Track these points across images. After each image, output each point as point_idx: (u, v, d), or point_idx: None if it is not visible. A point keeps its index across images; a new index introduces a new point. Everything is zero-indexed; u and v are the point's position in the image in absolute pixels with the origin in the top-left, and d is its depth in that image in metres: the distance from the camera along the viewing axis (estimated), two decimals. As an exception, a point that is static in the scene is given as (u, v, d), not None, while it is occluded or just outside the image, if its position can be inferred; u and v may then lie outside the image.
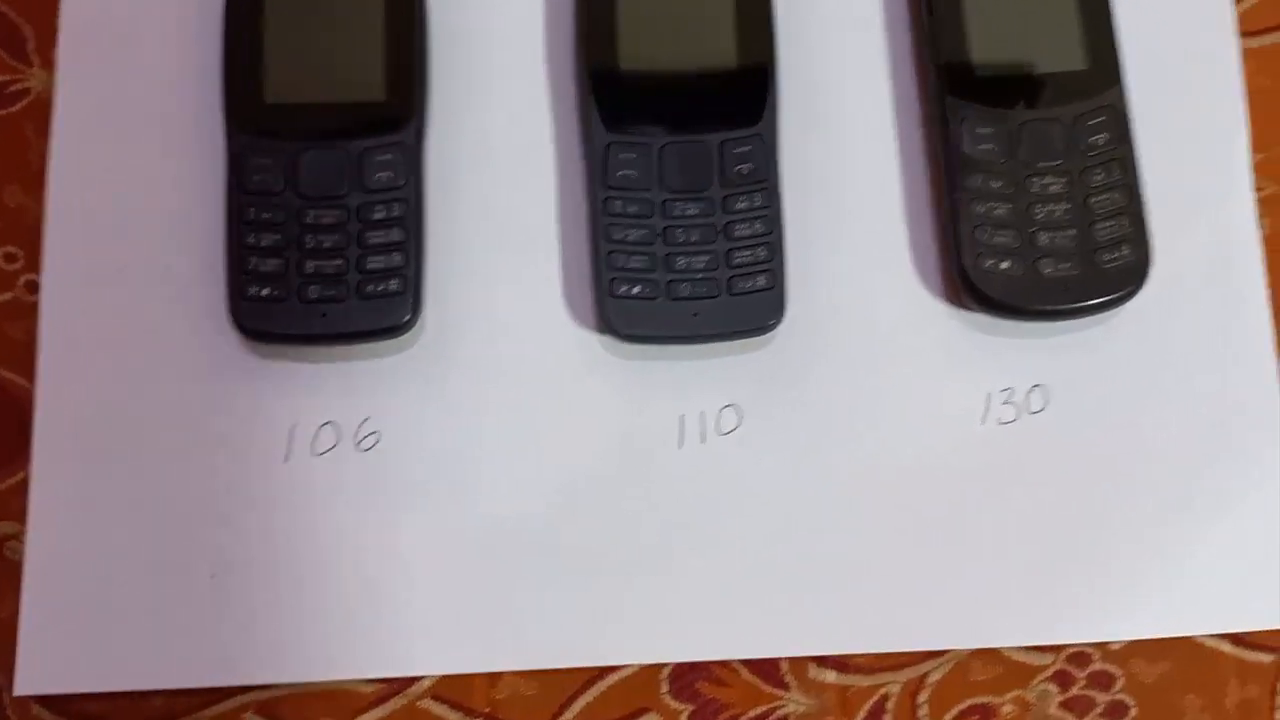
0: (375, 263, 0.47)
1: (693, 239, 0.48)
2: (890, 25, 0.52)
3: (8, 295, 0.48)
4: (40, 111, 0.49)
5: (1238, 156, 0.52)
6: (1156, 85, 0.51)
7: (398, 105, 0.48)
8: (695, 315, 0.47)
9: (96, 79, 0.50)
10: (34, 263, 0.48)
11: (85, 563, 0.47)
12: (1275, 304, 0.50)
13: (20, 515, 0.47)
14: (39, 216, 0.49)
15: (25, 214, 0.48)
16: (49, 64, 0.50)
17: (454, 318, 0.49)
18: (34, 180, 0.49)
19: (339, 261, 0.47)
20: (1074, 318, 0.48)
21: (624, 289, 0.48)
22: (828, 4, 0.52)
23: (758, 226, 0.48)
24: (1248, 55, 0.52)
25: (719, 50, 0.49)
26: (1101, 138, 0.48)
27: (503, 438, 0.48)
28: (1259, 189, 0.52)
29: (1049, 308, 0.48)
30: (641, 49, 0.49)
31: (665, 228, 0.48)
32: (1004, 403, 0.49)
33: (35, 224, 0.49)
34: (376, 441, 0.48)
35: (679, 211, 0.48)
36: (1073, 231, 0.48)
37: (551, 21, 0.52)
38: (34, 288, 0.48)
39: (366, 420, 0.48)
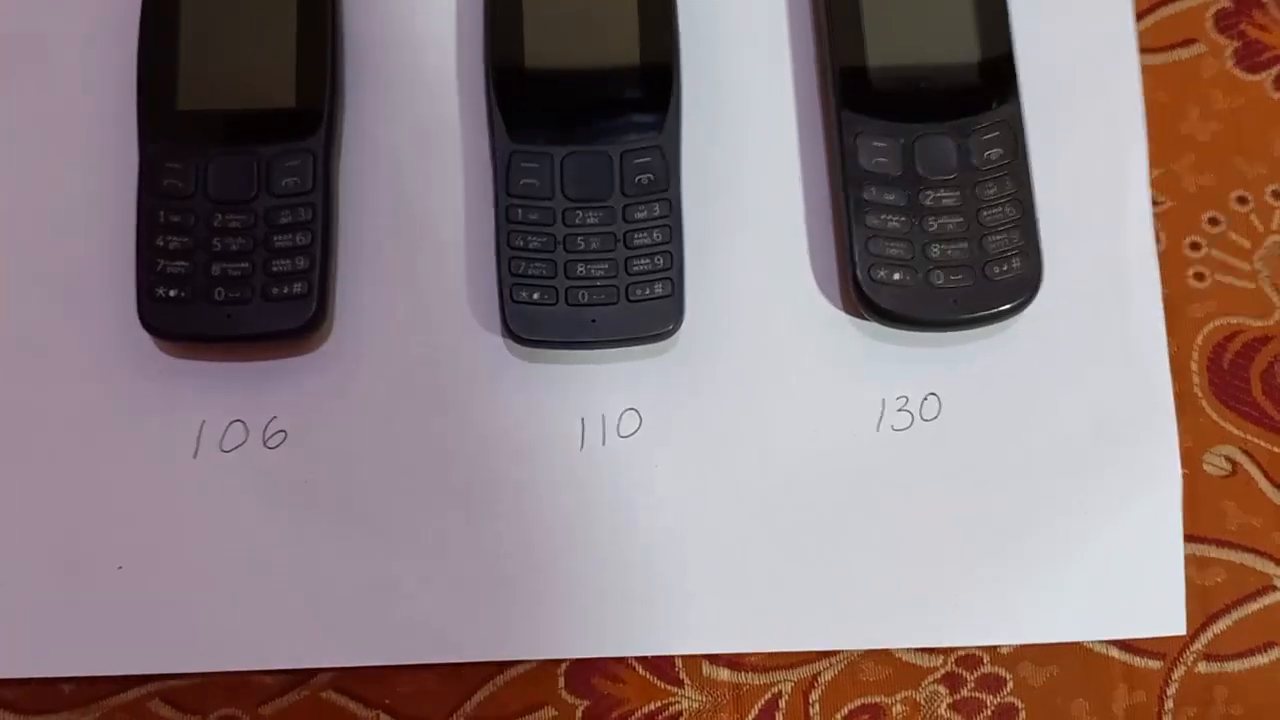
0: (280, 266, 0.48)
1: (592, 247, 0.49)
2: (794, 36, 0.53)
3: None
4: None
5: (1135, 171, 0.52)
6: (1055, 99, 0.52)
7: (307, 112, 0.49)
8: (594, 321, 0.48)
9: (12, 80, 0.51)
10: (-48, 262, 0.50)
11: (-4, 555, 0.49)
12: (1169, 317, 0.51)
13: (-67, 509, 0.49)
14: (-41, 217, 0.50)
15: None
16: (-31, 62, 0.51)
17: (361, 320, 0.50)
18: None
19: (245, 264, 0.48)
20: (966, 328, 0.50)
21: (524, 294, 0.49)
22: (731, 14, 0.53)
23: (657, 235, 0.49)
24: (1147, 71, 0.53)
25: (621, 63, 0.50)
26: (995, 152, 0.49)
27: (405, 438, 0.50)
28: (1156, 203, 0.53)
29: (940, 319, 0.49)
30: (546, 60, 0.50)
31: (565, 235, 0.49)
32: (899, 410, 0.50)
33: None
34: (283, 440, 0.49)
35: (579, 220, 0.49)
36: (964, 244, 0.49)
37: (463, 32, 0.53)
38: (-48, 289, 0.50)
39: (274, 419, 0.49)
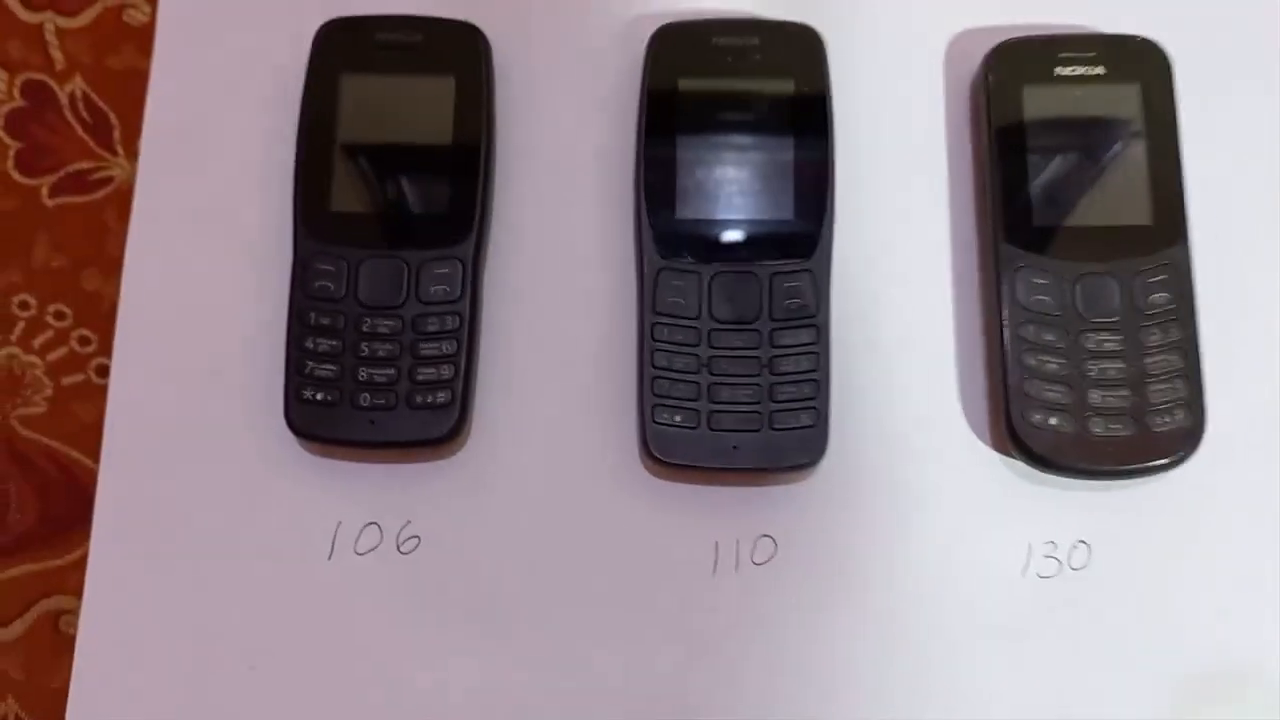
0: (426, 374, 0.48)
1: (737, 371, 0.48)
2: (952, 165, 0.52)
3: (79, 377, 0.50)
4: (122, 200, 0.52)
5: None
6: (1222, 242, 0.50)
7: (459, 220, 0.49)
8: (735, 448, 0.48)
9: (176, 174, 0.52)
10: (106, 347, 0.51)
11: (134, 642, 0.49)
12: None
13: (77, 591, 0.49)
14: (114, 302, 0.51)
15: (101, 299, 0.51)
16: (133, 154, 0.52)
17: (498, 428, 0.50)
18: (112, 267, 0.51)
19: (391, 370, 0.48)
20: (1123, 479, 0.48)
21: (666, 416, 0.48)
22: (888, 137, 0.52)
23: (804, 362, 0.48)
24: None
25: (774, 184, 0.50)
26: (1161, 296, 0.47)
27: (538, 550, 0.49)
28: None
29: (1097, 468, 0.47)
30: (699, 181, 0.50)
31: (711, 357, 0.48)
32: (1046, 556, 0.48)
33: (110, 309, 0.51)
34: (417, 545, 0.49)
35: (725, 342, 0.48)
36: (1126, 391, 0.47)
37: (613, 146, 0.52)
38: (105, 371, 0.50)
39: (408, 523, 0.50)
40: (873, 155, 0.52)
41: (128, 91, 0.52)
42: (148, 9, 0.53)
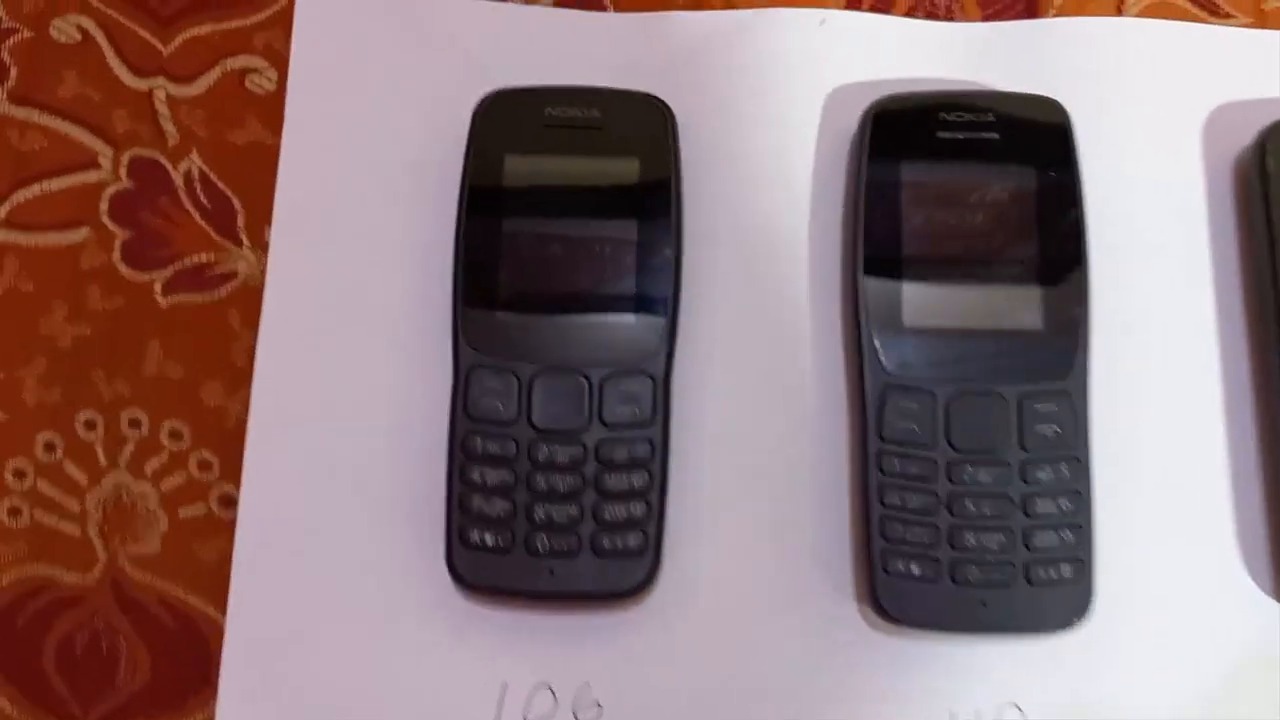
0: (614, 513, 0.41)
1: (985, 512, 0.41)
2: (1218, 262, 0.45)
3: (199, 509, 0.43)
4: (248, 299, 0.45)
5: None
6: None
7: (648, 327, 0.42)
8: (984, 605, 0.40)
9: (312, 268, 0.45)
10: (231, 473, 0.43)
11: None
12: None
13: (201, 764, 0.42)
14: (241, 420, 0.44)
15: (224, 417, 0.44)
16: (260, 245, 0.45)
17: (692, 574, 0.43)
18: (238, 378, 0.44)
19: (573, 509, 0.41)
20: None
21: (900, 565, 0.41)
22: (1144, 230, 0.45)
23: (1064, 503, 0.41)
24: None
25: (1019, 292, 0.42)
26: None
27: (740, 716, 0.42)
28: None
29: None
30: (929, 293, 0.43)
31: (951, 495, 0.41)
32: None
33: (236, 428, 0.44)
34: (599, 715, 0.42)
35: (968, 477, 0.41)
36: None
37: (821, 236, 0.45)
38: (230, 502, 0.43)
39: (586, 685, 0.42)
40: (1127, 250, 0.45)
41: (253, 171, 0.45)
42: (274, 74, 0.47)
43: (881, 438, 0.41)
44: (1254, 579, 0.42)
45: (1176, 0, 0.47)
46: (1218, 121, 0.46)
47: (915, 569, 0.41)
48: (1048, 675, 0.42)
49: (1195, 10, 0.47)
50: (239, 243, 0.45)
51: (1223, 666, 0.42)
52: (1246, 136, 0.45)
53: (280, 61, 0.47)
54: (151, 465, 0.43)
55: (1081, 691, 0.41)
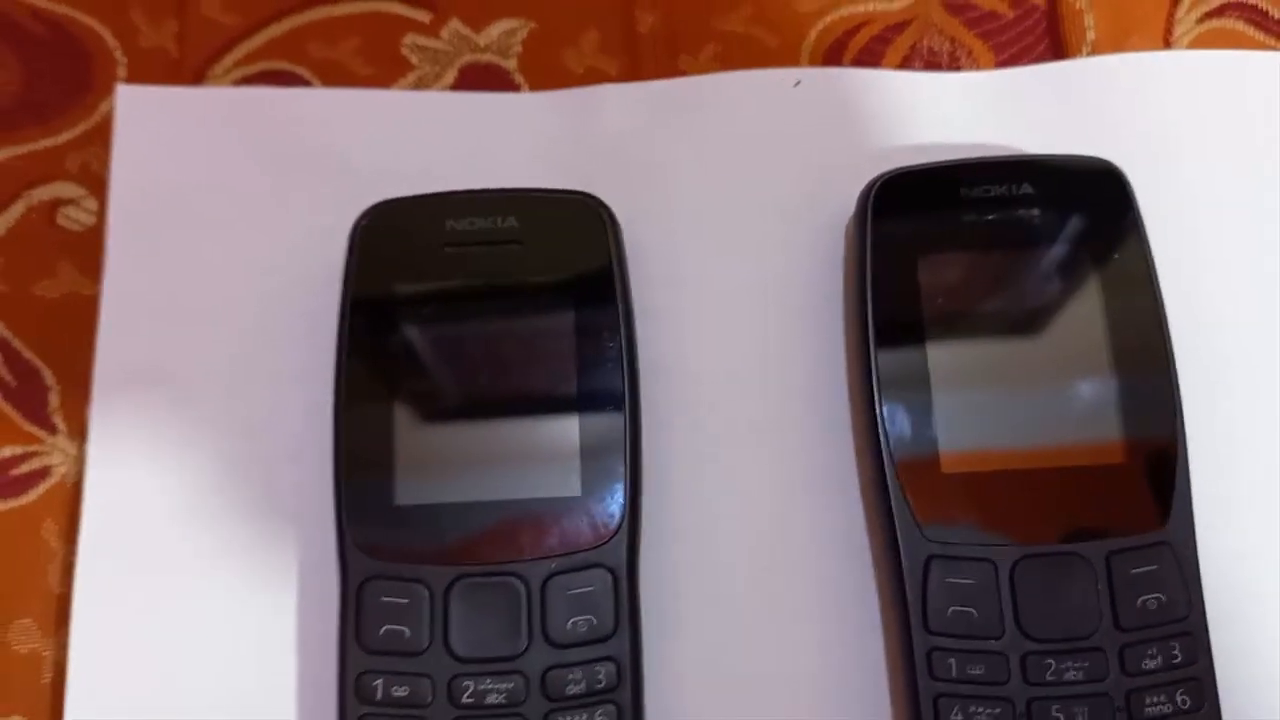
0: (579, 769, 0.30)
1: (1076, 718, 0.31)
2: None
3: (7, 803, 0.32)
4: (68, 502, 0.34)
5: None
6: None
7: (597, 498, 0.31)
8: None
9: (147, 452, 0.33)
10: (48, 740, 0.32)
11: None
12: None
13: None
14: (63, 670, 0.32)
15: (39, 668, 0.33)
16: (80, 430, 0.34)
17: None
18: (57, 612, 0.33)
19: (515, 767, 0.30)
20: None
21: (972, 803, 0.30)
22: (1236, 328, 0.35)
23: (1182, 699, 0.30)
24: None
25: (1090, 414, 0.32)
26: None
27: None
28: None
29: None
30: (972, 425, 0.32)
31: (1031, 701, 0.31)
32: None
33: (57, 682, 0.32)
34: None
35: (1050, 673, 0.30)
36: None
37: (814, 373, 0.35)
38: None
39: None
40: (1214, 340, 0.35)
41: (68, 333, 0.35)
42: (94, 204, 0.36)
43: (929, 629, 0.31)
44: None
45: (1235, 25, 0.39)
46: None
47: (995, 813, 0.30)
48: None
49: (1258, 35, 0.38)
50: (52, 429, 0.34)
51: None
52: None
53: (101, 187, 0.36)
54: (-59, 741, 0.32)
55: None
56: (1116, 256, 0.33)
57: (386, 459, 0.32)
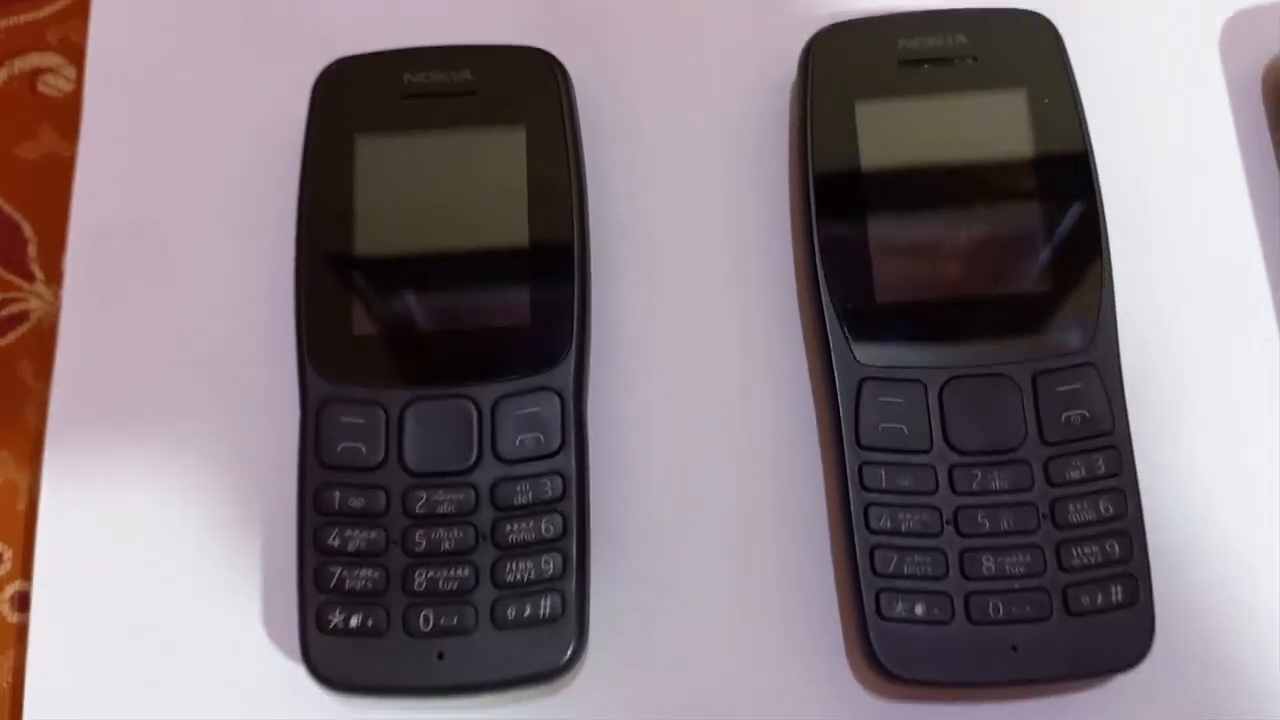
0: (520, 571, 0.31)
1: (1003, 526, 0.32)
2: (1255, 189, 0.36)
3: (-13, 618, 0.33)
4: (43, 344, 0.35)
5: None
6: None
7: (549, 332, 0.33)
8: (1014, 650, 0.30)
9: (118, 302, 0.35)
10: (25, 567, 0.34)
11: None
12: None
13: None
14: (34, 501, 0.34)
15: (15, 496, 0.34)
16: (56, 277, 0.36)
17: (631, 644, 0.32)
18: (32, 445, 0.34)
19: (463, 570, 0.31)
20: None
21: (899, 606, 0.31)
22: (1163, 163, 0.36)
23: (1104, 506, 0.31)
24: None
25: (1019, 246, 0.33)
26: None
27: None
28: None
29: None
30: (906, 258, 0.33)
31: (957, 509, 0.31)
32: None
33: (31, 510, 0.34)
34: (523, 845, 0.32)
35: (977, 484, 0.32)
36: None
37: (754, 211, 0.36)
38: (24, 603, 0.33)
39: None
40: (1145, 186, 0.36)
41: (47, 190, 0.36)
42: (72, 73, 0.38)
43: (860, 445, 0.32)
44: (1358, 589, 0.33)
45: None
46: (1238, 28, 0.37)
47: (919, 609, 0.31)
48: (1107, 734, 0.32)
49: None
50: (30, 277, 0.36)
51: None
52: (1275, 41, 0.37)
53: (80, 56, 0.38)
54: (-79, 563, 0.34)
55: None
56: (1047, 102, 0.35)
57: (345, 292, 0.33)
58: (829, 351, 0.33)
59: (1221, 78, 0.37)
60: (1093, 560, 0.31)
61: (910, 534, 0.31)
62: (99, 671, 0.32)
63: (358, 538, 0.31)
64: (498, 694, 0.31)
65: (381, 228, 0.34)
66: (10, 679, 0.33)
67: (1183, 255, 0.35)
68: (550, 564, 0.31)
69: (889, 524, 0.31)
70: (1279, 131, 0.36)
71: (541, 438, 0.32)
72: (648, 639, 0.33)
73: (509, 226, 0.34)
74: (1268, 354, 0.34)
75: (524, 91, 0.35)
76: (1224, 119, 0.36)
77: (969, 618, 0.31)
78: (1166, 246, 0.35)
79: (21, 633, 0.33)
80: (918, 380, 0.32)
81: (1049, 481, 0.31)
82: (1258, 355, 0.34)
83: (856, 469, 0.32)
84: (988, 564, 0.31)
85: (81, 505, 0.33)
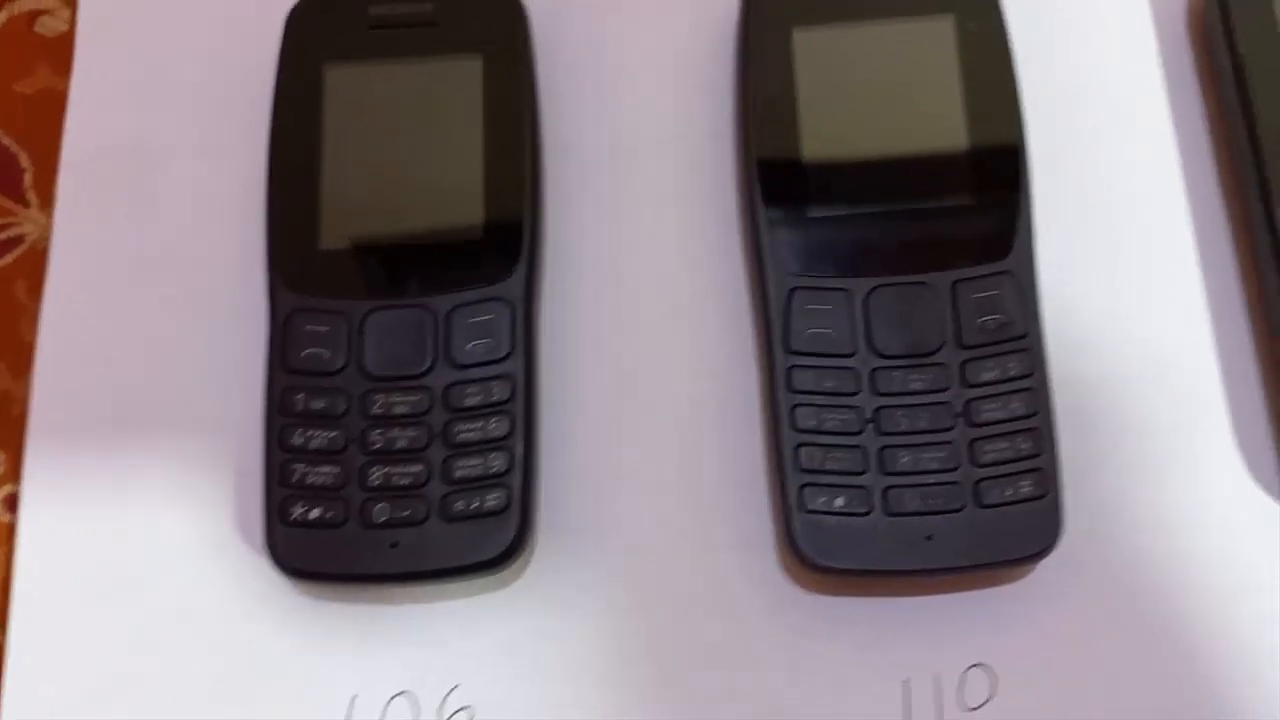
0: (468, 468, 0.33)
1: (920, 425, 0.33)
2: (1178, 117, 0.38)
3: (-18, 513, 0.36)
4: (38, 265, 0.38)
5: None
6: None
7: (499, 246, 0.35)
8: (929, 539, 0.33)
9: (106, 224, 0.38)
10: (15, 470, 0.36)
11: None
12: None
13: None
14: (26, 405, 0.37)
15: (10, 402, 0.37)
16: (50, 203, 0.39)
17: (573, 538, 0.35)
18: (26, 357, 0.37)
19: (417, 467, 0.34)
20: None
21: (820, 499, 0.33)
22: (1089, 93, 0.38)
23: (1015, 404, 0.33)
24: None
25: (942, 161, 0.35)
26: None
27: (640, 713, 0.34)
28: None
29: None
30: (834, 172, 0.35)
31: (879, 409, 0.34)
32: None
33: (21, 416, 0.37)
34: (470, 720, 0.34)
35: (897, 385, 0.34)
36: None
37: (699, 130, 0.38)
38: (13, 504, 0.36)
39: (455, 690, 0.34)
40: (1069, 116, 0.38)
41: (42, 122, 0.39)
42: (67, 14, 0.41)
43: (789, 349, 0.34)
44: (1258, 481, 0.34)
45: None
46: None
47: (840, 502, 0.33)
48: (1017, 624, 0.34)
49: None
50: (25, 203, 0.39)
51: (1229, 584, 0.34)
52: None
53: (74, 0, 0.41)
54: (-76, 464, 0.36)
55: (1055, 633, 0.34)
56: (971, 26, 0.36)
57: (310, 210, 0.36)
58: (762, 262, 0.35)
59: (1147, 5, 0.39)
60: (1004, 456, 0.33)
61: (833, 432, 0.33)
62: (80, 570, 0.35)
63: (319, 437, 0.34)
64: (447, 581, 0.34)
65: (346, 151, 0.36)
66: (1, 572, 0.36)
67: (1105, 178, 0.37)
68: (497, 461, 0.33)
69: (814, 423, 0.33)
70: (1200, 55, 0.38)
71: (492, 344, 0.34)
72: (593, 535, 0.35)
73: (466, 150, 0.36)
74: (1185, 272, 0.36)
75: (482, 23, 0.37)
76: (1149, 49, 0.38)
77: (886, 510, 0.33)
78: (1090, 169, 0.37)
79: (10, 531, 0.36)
80: (843, 289, 0.34)
81: (964, 383, 0.33)
82: (1175, 272, 0.36)
83: (785, 372, 0.34)
84: (905, 460, 0.33)
85: (66, 411, 0.36)
